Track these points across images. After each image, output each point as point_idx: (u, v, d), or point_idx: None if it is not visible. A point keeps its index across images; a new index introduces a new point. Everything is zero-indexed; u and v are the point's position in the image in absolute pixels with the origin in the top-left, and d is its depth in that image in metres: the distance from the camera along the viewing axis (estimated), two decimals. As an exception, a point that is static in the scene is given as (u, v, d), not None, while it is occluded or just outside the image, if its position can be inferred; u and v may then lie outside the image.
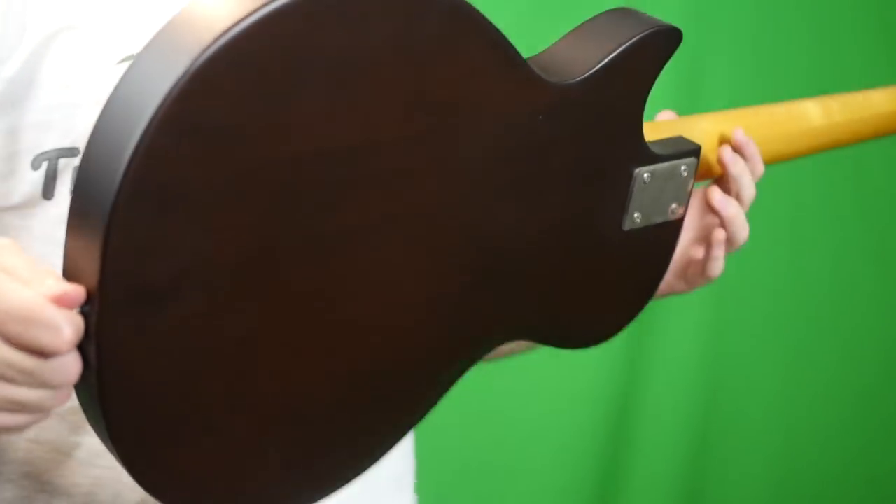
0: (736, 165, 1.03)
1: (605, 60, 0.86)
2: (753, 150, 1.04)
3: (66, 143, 0.93)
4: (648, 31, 0.88)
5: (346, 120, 0.72)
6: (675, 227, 0.97)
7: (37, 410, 0.72)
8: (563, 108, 0.84)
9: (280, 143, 0.70)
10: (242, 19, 0.65)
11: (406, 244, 0.79)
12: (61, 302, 0.66)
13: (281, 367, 0.76)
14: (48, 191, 0.93)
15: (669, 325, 2.26)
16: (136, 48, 0.84)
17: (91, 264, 0.66)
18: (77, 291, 0.66)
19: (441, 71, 0.76)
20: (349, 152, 0.73)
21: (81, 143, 0.87)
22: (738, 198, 1.04)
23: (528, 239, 0.87)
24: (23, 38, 0.93)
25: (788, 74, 2.27)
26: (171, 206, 0.66)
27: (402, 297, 0.80)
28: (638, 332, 2.19)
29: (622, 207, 0.92)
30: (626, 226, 0.92)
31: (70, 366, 0.68)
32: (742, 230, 1.04)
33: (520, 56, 0.82)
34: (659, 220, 0.94)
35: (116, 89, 0.68)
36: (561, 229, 0.89)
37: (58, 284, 0.67)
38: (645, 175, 0.91)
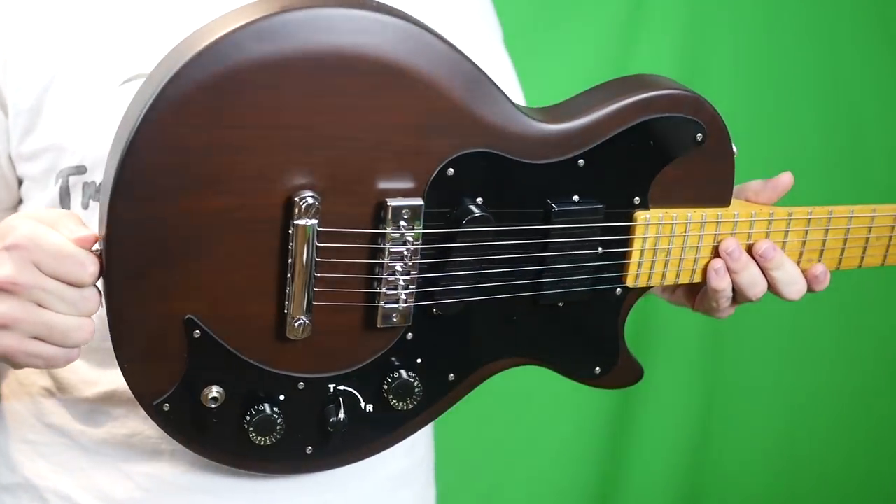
0: (719, 281, 1.08)
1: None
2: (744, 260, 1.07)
3: (75, 162, 1.05)
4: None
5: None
6: None
7: (63, 341, 0.90)
8: None
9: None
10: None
11: None
12: (80, 243, 0.89)
13: None
14: (64, 204, 1.06)
15: (669, 325, 2.27)
16: (139, 68, 1.03)
17: (101, 226, 0.91)
18: (91, 235, 0.90)
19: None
20: None
21: (89, 161, 1.04)
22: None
23: None
24: (32, 68, 1.03)
25: (788, 72, 2.24)
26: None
27: None
28: (638, 332, 2.19)
29: None
30: None
31: (93, 296, 0.91)
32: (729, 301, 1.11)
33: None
34: None
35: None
36: None
37: (77, 228, 0.90)
38: None
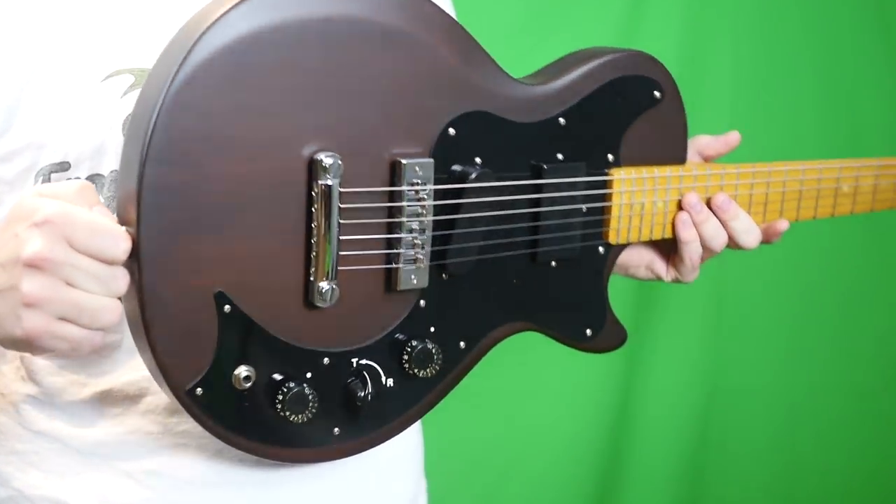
0: (687, 232, 1.16)
1: None
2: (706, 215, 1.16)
3: (58, 159, 1.02)
4: None
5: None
6: None
7: (91, 323, 0.86)
8: None
9: None
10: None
11: None
12: None
13: None
14: None
15: (669, 323, 2.28)
16: (120, 64, 1.03)
17: (130, 203, 0.89)
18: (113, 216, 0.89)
19: None
20: None
21: (72, 157, 1.02)
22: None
23: None
24: (7, 67, 1.00)
25: (788, 72, 2.32)
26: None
27: None
28: (638, 331, 2.21)
29: None
30: None
31: (123, 275, 0.88)
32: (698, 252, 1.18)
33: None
34: None
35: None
36: None
37: (104, 209, 0.89)
38: None
